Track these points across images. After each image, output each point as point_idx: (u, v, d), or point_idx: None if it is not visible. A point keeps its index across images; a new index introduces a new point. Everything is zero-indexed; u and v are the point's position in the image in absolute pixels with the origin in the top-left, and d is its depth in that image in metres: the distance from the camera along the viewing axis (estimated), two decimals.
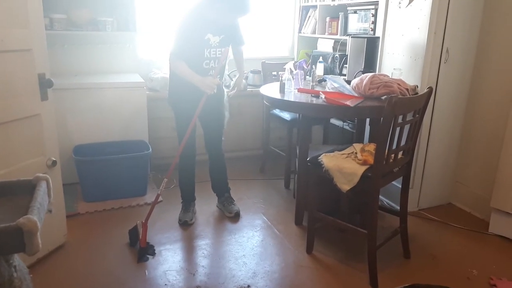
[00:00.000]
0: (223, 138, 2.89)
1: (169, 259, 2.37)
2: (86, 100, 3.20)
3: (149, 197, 3.13)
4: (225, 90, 2.88)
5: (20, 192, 1.48)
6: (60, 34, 3.39)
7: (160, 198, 3.12)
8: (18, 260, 1.40)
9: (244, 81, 3.92)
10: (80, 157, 3.00)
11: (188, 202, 2.88)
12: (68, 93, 3.13)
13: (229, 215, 2.90)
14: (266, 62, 3.86)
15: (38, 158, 2.17)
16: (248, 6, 2.41)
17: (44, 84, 2.14)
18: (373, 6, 3.27)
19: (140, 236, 2.41)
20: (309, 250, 2.46)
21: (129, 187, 3.11)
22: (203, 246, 2.53)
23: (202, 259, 2.39)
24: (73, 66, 3.58)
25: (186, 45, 2.47)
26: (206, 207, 3.03)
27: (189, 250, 2.51)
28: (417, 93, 2.60)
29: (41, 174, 1.51)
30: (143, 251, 2.38)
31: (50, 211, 1.51)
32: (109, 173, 3.02)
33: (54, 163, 2.24)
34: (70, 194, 3.05)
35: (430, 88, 2.24)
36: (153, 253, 2.41)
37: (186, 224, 2.75)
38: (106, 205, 3.00)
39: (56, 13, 3.30)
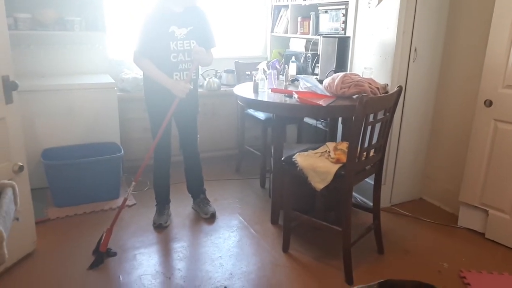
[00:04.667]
0: (198, 136, 2.87)
1: (144, 263, 2.34)
2: (55, 102, 3.11)
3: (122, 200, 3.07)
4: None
5: None
6: (25, 34, 3.27)
7: (134, 201, 3.07)
8: None
9: (216, 79, 3.92)
10: (49, 161, 2.91)
11: (162, 204, 2.84)
12: (35, 95, 3.03)
13: (204, 216, 2.88)
14: (240, 61, 3.85)
15: (4, 163, 2.09)
16: None
17: (9, 87, 2.06)
18: (343, 6, 3.32)
19: (102, 240, 2.35)
20: (285, 249, 2.47)
21: (101, 191, 3.04)
22: (179, 248, 2.51)
23: (178, 262, 2.37)
24: (40, 67, 3.47)
25: (148, 40, 2.45)
26: (181, 209, 2.99)
27: (165, 253, 2.48)
28: (387, 92, 2.65)
29: (6, 181, 1.45)
30: (99, 256, 2.31)
31: (17, 219, 1.45)
32: (80, 177, 2.94)
33: (21, 168, 2.16)
34: (40, 199, 2.95)
35: (400, 87, 2.29)
36: (101, 262, 2.29)
37: (160, 227, 2.71)
38: (77, 210, 2.92)
39: (20, 12, 3.18)
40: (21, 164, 2.17)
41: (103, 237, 2.36)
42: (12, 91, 2.09)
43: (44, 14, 3.28)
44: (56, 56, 3.53)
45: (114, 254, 2.38)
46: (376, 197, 2.45)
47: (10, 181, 1.46)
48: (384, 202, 2.96)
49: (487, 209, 2.62)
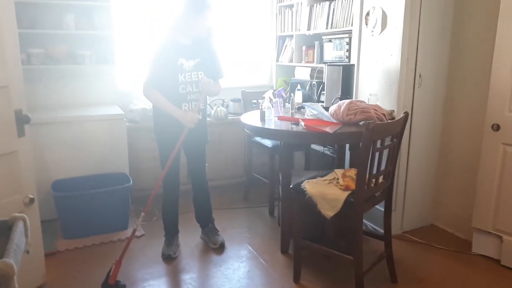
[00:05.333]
0: (206, 165, 2.88)
1: None
2: (65, 134, 3.16)
3: (131, 231, 3.06)
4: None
5: None
6: (38, 69, 3.37)
7: (142, 232, 3.06)
8: None
9: (224, 108, 3.97)
10: (59, 193, 2.92)
11: (171, 235, 2.82)
12: (46, 128, 3.08)
13: (213, 246, 2.85)
14: (246, 91, 3.91)
15: (15, 196, 2.11)
16: (210, 1, 2.53)
17: (21, 120, 2.10)
18: (347, 35, 3.38)
19: (111, 272, 2.32)
20: (296, 279, 2.42)
21: (110, 222, 3.04)
22: (188, 280, 2.47)
23: None
24: (52, 100, 3.55)
25: (157, 73, 2.51)
26: (190, 239, 2.97)
27: (174, 285, 2.44)
28: (393, 118, 2.66)
29: (17, 214, 1.46)
30: None
31: (27, 252, 1.45)
32: (89, 208, 2.95)
33: (31, 200, 2.18)
34: (49, 231, 2.95)
35: (406, 113, 2.30)
36: None
37: (169, 258, 2.69)
38: (86, 242, 2.91)
39: (33, 47, 3.29)
40: (32, 197, 2.18)
41: (112, 269, 2.34)
42: (25, 125, 2.13)
43: (56, 49, 3.39)
44: (67, 89, 3.61)
45: (123, 286, 2.35)
46: (387, 224, 2.42)
47: (21, 214, 1.47)
48: (395, 229, 2.91)
49: (501, 235, 2.57)
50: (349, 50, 3.36)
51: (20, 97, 2.11)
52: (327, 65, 3.28)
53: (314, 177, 2.39)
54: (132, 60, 3.86)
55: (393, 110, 2.80)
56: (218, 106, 4.00)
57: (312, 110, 2.84)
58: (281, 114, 2.91)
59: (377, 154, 2.10)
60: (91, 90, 3.71)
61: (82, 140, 3.22)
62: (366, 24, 3.01)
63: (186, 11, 2.50)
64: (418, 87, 2.87)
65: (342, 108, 2.59)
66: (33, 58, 3.29)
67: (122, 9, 3.73)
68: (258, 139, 3.52)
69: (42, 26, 3.34)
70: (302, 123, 2.55)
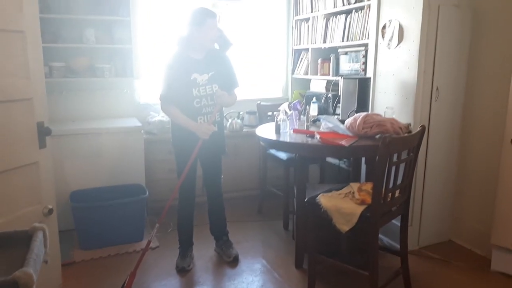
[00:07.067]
0: (222, 176, 2.89)
1: None
2: (84, 146, 3.22)
3: (146, 243, 3.07)
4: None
5: (16, 244, 1.46)
6: (59, 82, 3.46)
7: (157, 244, 3.07)
8: None
9: (239, 121, 3.99)
10: (77, 204, 2.97)
11: (185, 247, 2.83)
12: (65, 139, 3.16)
13: (227, 259, 2.84)
14: (261, 103, 3.93)
15: (35, 206, 2.15)
16: (209, 10, 2.57)
17: (43, 132, 2.16)
18: (363, 48, 3.39)
19: (126, 284, 2.32)
20: None
21: (126, 233, 3.07)
22: None
23: None
24: (72, 112, 3.63)
25: (172, 88, 2.55)
26: (204, 251, 2.97)
27: None
28: (410, 131, 2.64)
29: (37, 224, 1.49)
30: None
31: (46, 262, 1.48)
32: (105, 218, 2.98)
33: (50, 211, 2.22)
34: (66, 242, 2.99)
35: (423, 127, 2.28)
36: None
37: (183, 271, 2.69)
38: (102, 252, 2.94)
39: (55, 61, 3.38)
40: (51, 207, 2.22)
41: (127, 280, 2.35)
42: (46, 136, 2.19)
43: (77, 62, 3.48)
44: (86, 101, 3.70)
45: None
46: (403, 239, 2.38)
47: (41, 224, 1.50)
48: (412, 244, 2.86)
49: None
50: (365, 63, 3.36)
51: (42, 109, 2.16)
52: (343, 78, 3.28)
53: (330, 191, 2.38)
54: (151, 73, 3.93)
55: (410, 124, 2.77)
56: (234, 119, 4.02)
57: (328, 123, 2.84)
58: (296, 127, 2.92)
59: (393, 168, 2.08)
60: (110, 103, 3.79)
61: (100, 151, 3.28)
62: (383, 37, 3.01)
63: (190, 27, 2.55)
64: (435, 101, 2.85)
65: (358, 121, 2.59)
66: (54, 71, 3.38)
67: (142, 23, 3.81)
68: (273, 151, 3.53)
69: (63, 41, 3.44)
70: (318, 136, 2.55)
